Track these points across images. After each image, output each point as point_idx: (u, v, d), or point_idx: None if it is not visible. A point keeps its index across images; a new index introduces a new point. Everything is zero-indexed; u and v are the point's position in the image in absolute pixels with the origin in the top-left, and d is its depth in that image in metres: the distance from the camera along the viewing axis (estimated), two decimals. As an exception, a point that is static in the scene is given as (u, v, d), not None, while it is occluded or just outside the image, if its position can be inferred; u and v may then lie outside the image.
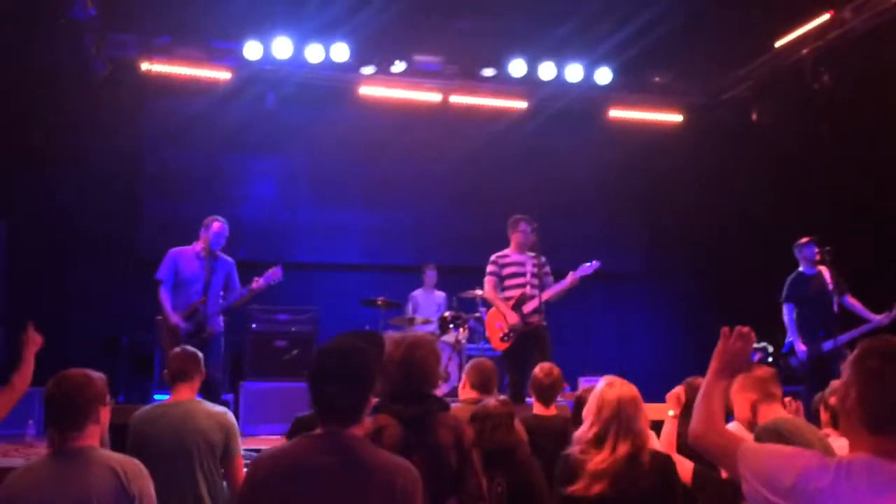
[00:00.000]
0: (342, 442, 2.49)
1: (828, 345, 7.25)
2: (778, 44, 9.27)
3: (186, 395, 4.27)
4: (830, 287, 7.37)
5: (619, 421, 3.21)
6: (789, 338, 7.59)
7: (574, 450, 3.26)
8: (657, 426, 4.10)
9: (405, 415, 2.98)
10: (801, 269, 7.70)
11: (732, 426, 3.62)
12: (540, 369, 4.82)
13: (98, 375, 3.21)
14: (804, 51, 8.99)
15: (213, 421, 4.13)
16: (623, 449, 3.16)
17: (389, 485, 2.44)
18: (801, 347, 7.43)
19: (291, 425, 3.98)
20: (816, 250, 7.51)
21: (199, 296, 6.73)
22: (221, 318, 6.90)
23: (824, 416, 4.12)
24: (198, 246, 6.88)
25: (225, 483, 4.17)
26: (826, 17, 8.59)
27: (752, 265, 10.00)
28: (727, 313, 7.86)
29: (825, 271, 7.50)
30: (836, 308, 7.33)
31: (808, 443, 3.29)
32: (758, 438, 3.33)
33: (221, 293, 6.87)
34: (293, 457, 2.49)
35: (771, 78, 9.78)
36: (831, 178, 9.30)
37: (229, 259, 7.02)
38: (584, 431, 3.31)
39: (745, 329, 2.56)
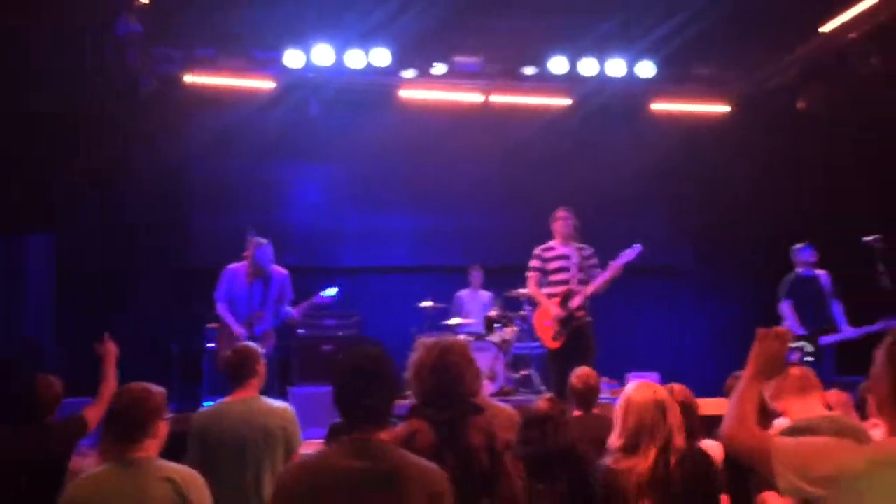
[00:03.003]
0: (373, 447, 2.52)
1: (824, 340, 7.45)
2: (824, 28, 9.05)
3: (247, 393, 4.26)
4: (828, 290, 7.67)
5: (647, 427, 3.19)
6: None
7: (608, 461, 3.28)
8: (711, 421, 4.01)
9: (437, 419, 2.98)
10: (798, 271, 7.83)
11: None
12: (576, 377, 4.71)
13: (158, 390, 3.27)
14: (852, 35, 8.79)
15: (275, 416, 4.15)
16: (653, 454, 3.14)
17: (422, 487, 2.47)
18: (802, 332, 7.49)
19: (329, 431, 4.01)
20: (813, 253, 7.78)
21: (255, 310, 6.90)
22: (274, 336, 7.05)
23: (872, 403, 4.02)
24: (249, 264, 6.97)
25: None
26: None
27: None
28: (776, 309, 7.77)
29: (822, 275, 7.74)
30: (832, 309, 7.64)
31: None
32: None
33: (276, 306, 7.02)
34: (324, 463, 2.52)
35: (818, 64, 9.56)
36: (885, 164, 9.03)
37: (283, 271, 7.11)
38: (614, 439, 3.31)
39: (782, 330, 2.52)
